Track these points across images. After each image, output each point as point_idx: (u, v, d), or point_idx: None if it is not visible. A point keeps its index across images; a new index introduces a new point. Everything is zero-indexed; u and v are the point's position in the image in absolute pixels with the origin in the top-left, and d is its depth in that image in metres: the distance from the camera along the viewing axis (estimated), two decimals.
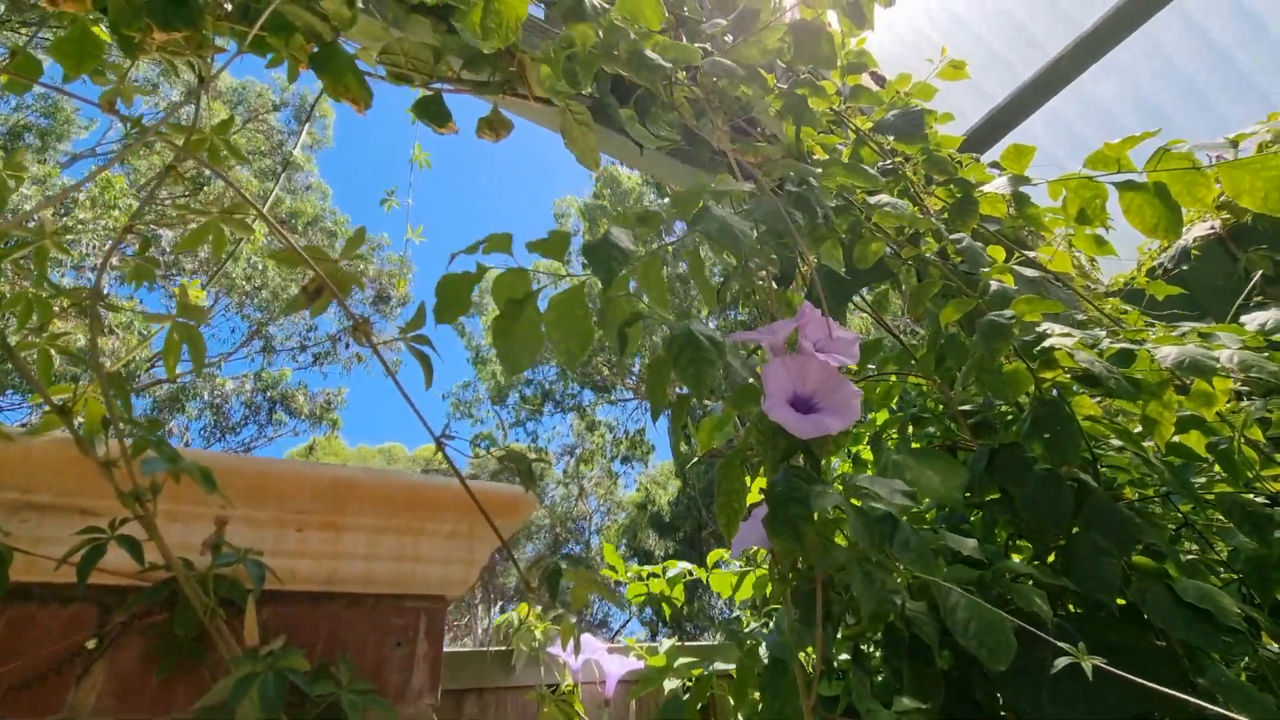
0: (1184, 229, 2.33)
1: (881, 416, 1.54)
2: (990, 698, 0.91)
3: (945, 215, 1.36)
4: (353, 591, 0.74)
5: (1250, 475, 1.13)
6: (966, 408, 1.34)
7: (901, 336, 1.57)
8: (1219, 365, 0.95)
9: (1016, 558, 1.07)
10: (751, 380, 0.72)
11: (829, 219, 1.12)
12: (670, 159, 1.42)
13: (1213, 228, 2.17)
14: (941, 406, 1.41)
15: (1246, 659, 1.02)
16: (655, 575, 1.72)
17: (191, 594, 0.57)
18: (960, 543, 0.92)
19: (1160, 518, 1.17)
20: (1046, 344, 1.08)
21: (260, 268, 12.61)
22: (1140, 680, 0.81)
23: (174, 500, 0.65)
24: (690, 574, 1.75)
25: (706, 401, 0.77)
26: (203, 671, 0.63)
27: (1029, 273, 1.18)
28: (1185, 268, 2.12)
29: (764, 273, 1.09)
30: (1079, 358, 1.01)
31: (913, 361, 1.42)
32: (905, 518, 1.27)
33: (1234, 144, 1.01)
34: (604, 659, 1.06)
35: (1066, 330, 1.11)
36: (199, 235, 0.72)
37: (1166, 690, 0.82)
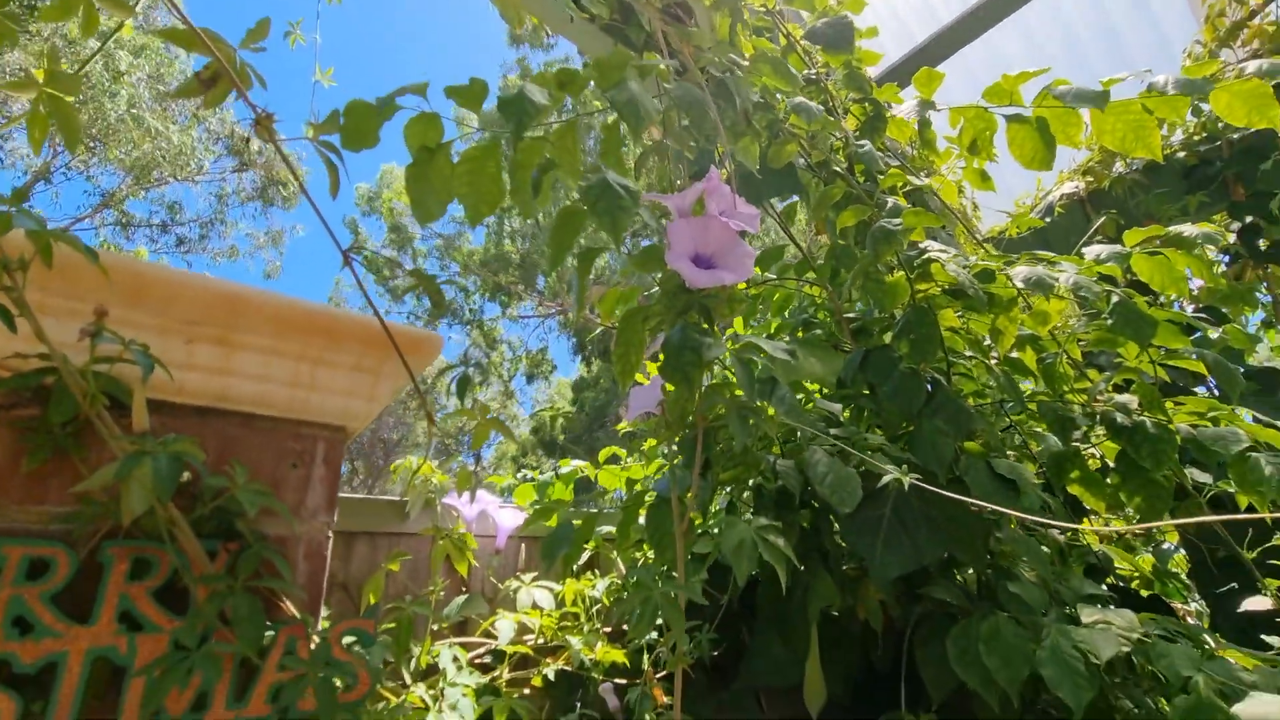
0: (1055, 188, 2.58)
1: (775, 323, 1.65)
2: (836, 546, 1.06)
3: (858, 133, 1.43)
4: (245, 411, 0.73)
5: (1065, 388, 1.33)
6: (850, 315, 1.47)
7: (806, 251, 1.66)
8: (1057, 284, 1.10)
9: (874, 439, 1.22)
10: (658, 239, 0.75)
11: (749, 114, 1.15)
12: (603, 35, 1.38)
13: (1077, 188, 2.42)
14: (830, 315, 1.54)
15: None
16: (547, 477, 1.77)
17: (69, 378, 0.54)
18: (828, 407, 1.04)
19: (992, 418, 1.36)
20: (926, 256, 1.19)
21: (123, 119, 10.87)
22: (951, 531, 0.97)
23: (44, 290, 0.60)
24: (583, 472, 1.84)
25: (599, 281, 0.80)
26: (78, 467, 0.61)
27: (918, 181, 1.28)
28: (1049, 220, 2.37)
29: (681, 165, 1.11)
30: (950, 268, 1.13)
31: (810, 272, 1.52)
32: None
33: (1105, 91, 1.13)
34: (497, 512, 1.12)
35: (943, 247, 1.23)
36: (67, 5, 0.63)
37: (970, 541, 0.99)
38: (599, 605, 1.11)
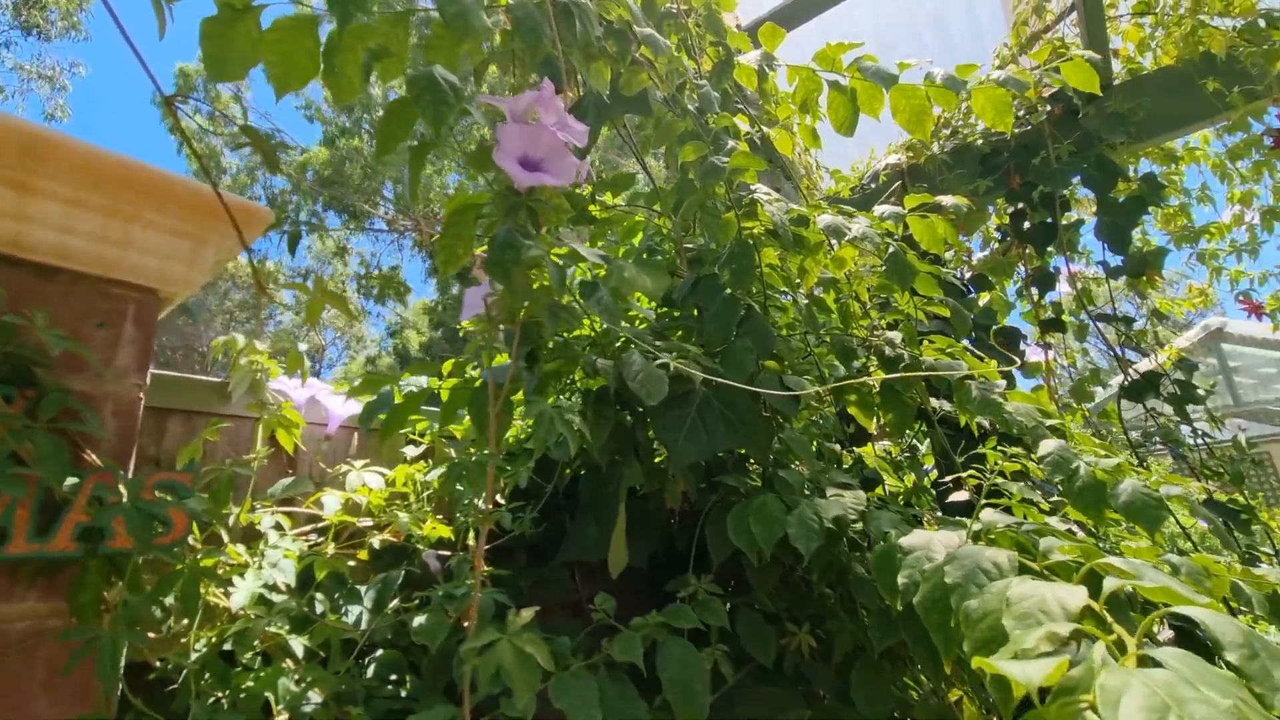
0: (884, 158, 2.91)
1: (623, 249, 1.76)
2: (649, 440, 1.22)
3: (709, 75, 1.54)
4: (43, 262, 0.70)
5: (853, 325, 1.58)
6: (690, 246, 1.61)
7: (653, 181, 1.77)
8: (850, 232, 1.31)
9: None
10: (490, 137, 0.81)
11: (592, 42, 1.20)
12: None
13: (900, 161, 2.75)
14: (673, 245, 1.67)
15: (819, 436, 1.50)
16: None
17: None
18: (646, 313, 1.17)
19: (800, 347, 1.59)
20: (751, 198, 1.35)
21: None
22: (743, 430, 1.15)
23: None
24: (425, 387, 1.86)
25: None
26: None
27: (746, 128, 1.42)
28: (873, 186, 2.68)
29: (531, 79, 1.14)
30: (768, 209, 1.29)
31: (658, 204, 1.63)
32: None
33: (896, 75, 1.32)
34: (329, 399, 1.13)
35: (769, 191, 1.39)
36: None
37: (759, 439, 1.18)
38: (430, 490, 1.19)
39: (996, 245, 2.77)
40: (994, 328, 2.43)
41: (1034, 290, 2.54)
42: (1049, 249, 2.48)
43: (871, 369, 1.55)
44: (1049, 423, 1.25)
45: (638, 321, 1.51)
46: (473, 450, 1.03)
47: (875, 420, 1.55)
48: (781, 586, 1.23)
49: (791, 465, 1.29)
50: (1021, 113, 2.54)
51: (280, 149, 0.69)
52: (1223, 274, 2.41)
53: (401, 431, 1.28)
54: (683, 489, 1.27)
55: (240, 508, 0.86)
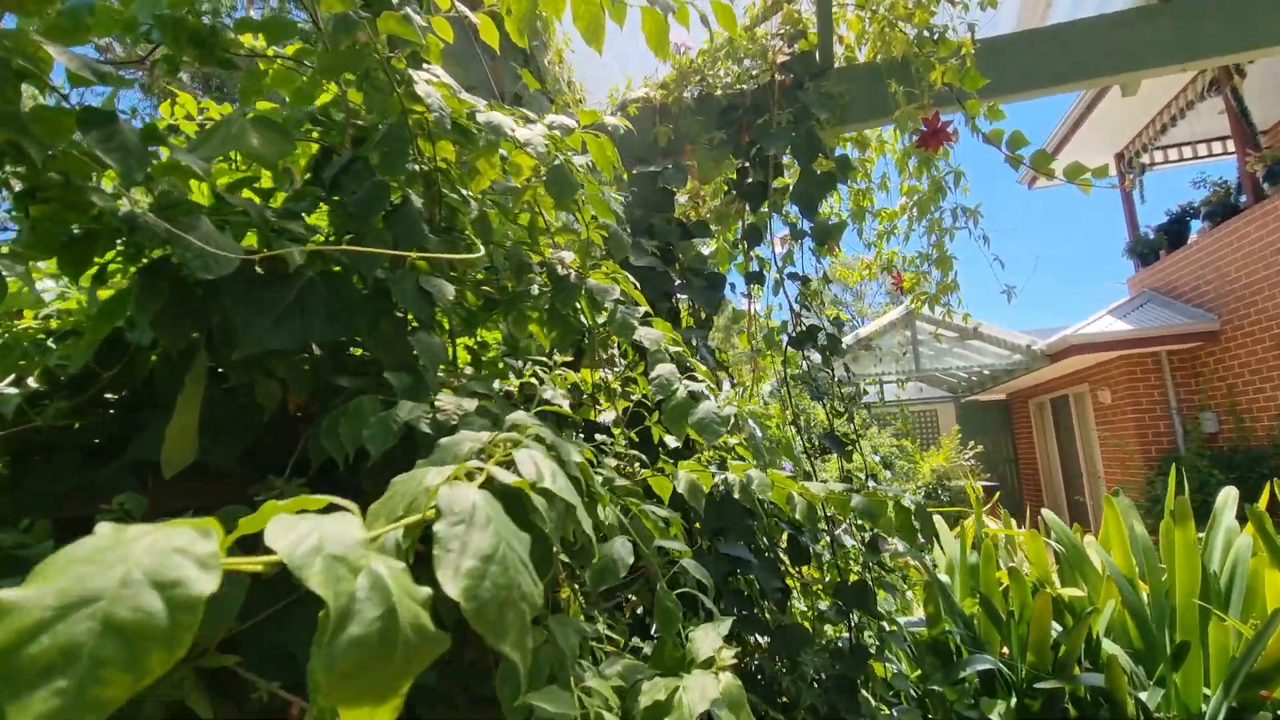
0: (637, 90, 2.92)
1: (269, 105, 1.51)
2: (231, 328, 1.06)
3: None
4: None
5: (541, 241, 1.56)
6: (360, 122, 1.43)
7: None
8: (513, 135, 1.25)
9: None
10: None
11: None
12: None
13: (652, 96, 2.77)
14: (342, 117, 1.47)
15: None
16: None
17: None
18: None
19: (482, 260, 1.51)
20: (409, 75, 1.21)
21: None
22: (349, 321, 1.05)
23: None
24: None
25: None
26: None
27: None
28: (620, 114, 2.67)
29: None
30: (419, 88, 1.17)
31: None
32: (247, 192, 1.30)
33: None
34: None
35: (436, 74, 1.27)
36: None
37: (381, 336, 1.08)
38: None
39: (724, 197, 2.98)
40: (705, 272, 2.63)
41: (745, 244, 2.79)
42: (761, 207, 2.73)
43: (543, 284, 1.55)
44: (673, 349, 1.35)
45: (271, 201, 1.31)
46: None
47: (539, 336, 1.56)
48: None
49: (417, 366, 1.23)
50: (756, 73, 2.71)
51: None
52: (882, 253, 2.88)
53: None
54: (285, 386, 1.15)
55: None
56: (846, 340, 11.70)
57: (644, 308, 1.40)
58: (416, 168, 1.34)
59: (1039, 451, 12.62)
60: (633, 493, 1.21)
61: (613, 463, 1.43)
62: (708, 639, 1.02)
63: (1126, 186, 10.15)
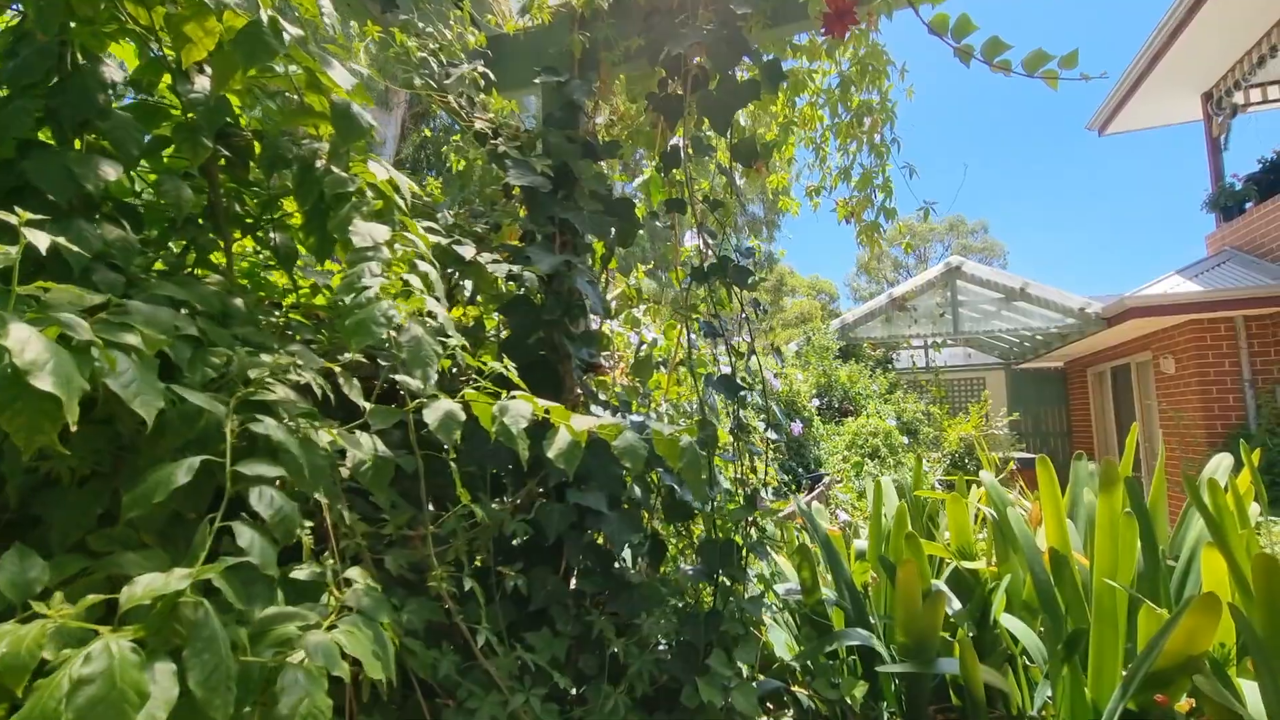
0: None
1: None
2: None
3: None
4: None
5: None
6: None
7: None
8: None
9: None
10: None
11: None
12: None
13: (569, 2, 2.50)
14: None
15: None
16: None
17: None
18: None
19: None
20: None
21: None
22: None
23: None
24: None
25: None
26: None
27: None
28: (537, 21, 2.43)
29: None
30: None
31: None
32: None
33: None
34: None
35: None
36: None
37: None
38: None
39: (646, 114, 2.69)
40: (605, 196, 2.38)
41: (662, 165, 2.51)
42: (678, 123, 2.43)
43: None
44: (384, 245, 1.15)
45: None
46: None
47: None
48: None
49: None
50: None
51: None
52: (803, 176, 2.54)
53: None
54: None
55: None
56: (880, 300, 10.99)
57: (398, 206, 1.20)
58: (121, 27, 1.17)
59: (1095, 424, 11.70)
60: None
61: None
62: None
63: (1215, 132, 8.98)
